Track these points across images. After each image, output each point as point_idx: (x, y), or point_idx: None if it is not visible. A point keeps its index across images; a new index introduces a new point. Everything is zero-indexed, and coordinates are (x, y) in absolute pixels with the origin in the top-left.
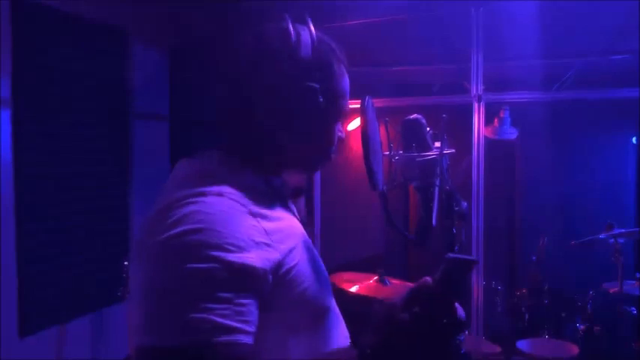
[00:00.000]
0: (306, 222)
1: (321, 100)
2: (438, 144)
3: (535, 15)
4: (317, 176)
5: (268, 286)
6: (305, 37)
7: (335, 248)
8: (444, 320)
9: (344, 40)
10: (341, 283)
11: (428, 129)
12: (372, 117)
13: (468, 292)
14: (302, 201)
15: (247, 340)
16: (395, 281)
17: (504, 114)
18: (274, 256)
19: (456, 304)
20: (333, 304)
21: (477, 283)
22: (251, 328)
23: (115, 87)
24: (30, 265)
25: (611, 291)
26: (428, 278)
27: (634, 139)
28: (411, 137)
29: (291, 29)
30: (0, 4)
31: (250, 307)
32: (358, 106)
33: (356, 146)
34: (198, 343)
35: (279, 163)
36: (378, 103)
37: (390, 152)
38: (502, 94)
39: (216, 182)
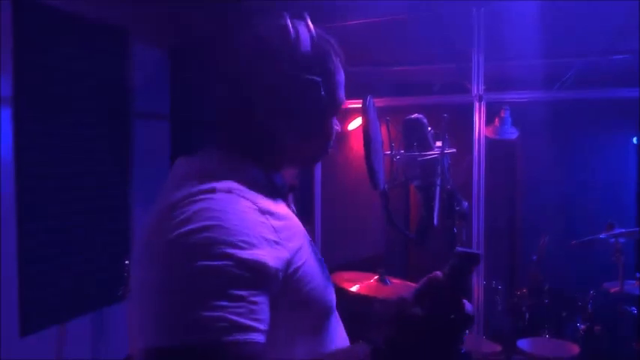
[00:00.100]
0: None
1: (323, 93)
2: (439, 143)
3: (536, 15)
4: (317, 175)
5: (278, 284)
6: (303, 32)
7: (335, 248)
8: (454, 315)
9: (345, 40)
10: (341, 282)
11: (429, 128)
12: (374, 116)
13: (469, 290)
14: (291, 199)
15: (261, 338)
16: (395, 281)
17: (505, 114)
18: (284, 254)
19: (464, 299)
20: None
21: (478, 283)
22: (264, 327)
23: (115, 86)
24: (30, 265)
25: (612, 291)
26: (438, 273)
27: (634, 139)
28: (413, 136)
29: (290, 25)
30: (1, 4)
31: (263, 305)
32: (359, 105)
33: (357, 146)
34: (213, 342)
35: (280, 159)
36: (379, 102)
37: (392, 152)
38: (503, 93)
39: (221, 179)
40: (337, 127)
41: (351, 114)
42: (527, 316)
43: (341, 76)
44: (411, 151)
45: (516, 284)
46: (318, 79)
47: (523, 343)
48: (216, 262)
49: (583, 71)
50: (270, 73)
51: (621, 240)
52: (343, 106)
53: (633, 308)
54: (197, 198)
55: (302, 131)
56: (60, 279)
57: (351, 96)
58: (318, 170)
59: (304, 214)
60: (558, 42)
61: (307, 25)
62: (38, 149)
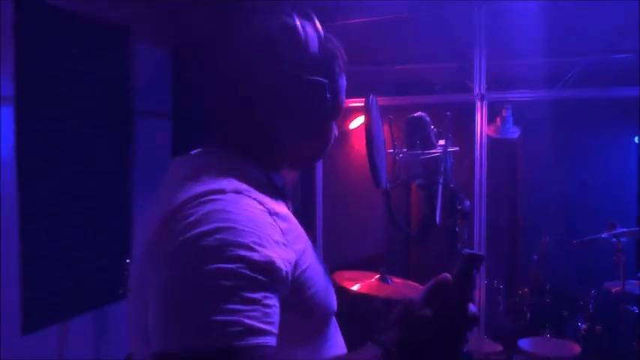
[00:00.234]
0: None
1: (328, 96)
2: (441, 142)
3: (538, 14)
4: (319, 174)
5: (287, 287)
6: (312, 34)
7: (337, 246)
8: (460, 316)
9: (347, 39)
10: (342, 281)
11: (432, 127)
12: (376, 115)
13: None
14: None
15: (273, 342)
16: (396, 280)
17: (506, 113)
18: (292, 256)
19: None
20: None
21: (479, 282)
22: (276, 330)
23: (117, 85)
24: (32, 263)
25: (613, 290)
26: (447, 275)
27: (636, 139)
28: (415, 135)
29: (299, 26)
30: (2, 3)
31: (275, 308)
32: (361, 104)
33: (358, 144)
34: (228, 347)
35: (280, 159)
36: (381, 101)
37: (394, 150)
38: (504, 92)
39: (227, 179)
40: (336, 131)
41: (352, 113)
42: (528, 315)
43: (344, 80)
44: (414, 150)
45: (517, 284)
46: (325, 80)
47: (524, 343)
48: (229, 265)
49: (585, 70)
50: (277, 74)
51: (623, 239)
52: (342, 110)
53: (635, 308)
54: (206, 199)
55: (304, 132)
56: (61, 278)
57: (352, 95)
58: (319, 169)
59: (305, 214)
60: (560, 41)
61: (315, 27)
62: (39, 148)
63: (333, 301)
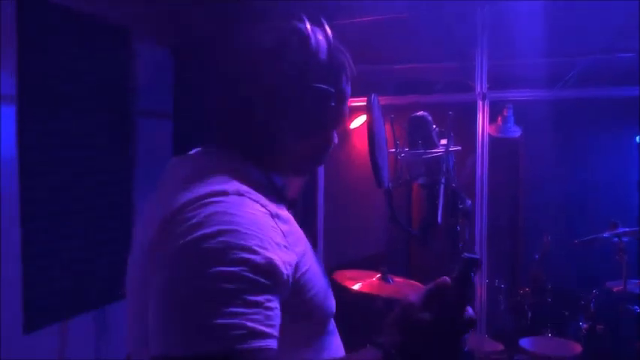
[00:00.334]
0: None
1: (333, 104)
2: (443, 141)
3: (539, 13)
4: (320, 173)
5: (288, 289)
6: (322, 40)
7: (338, 246)
8: (459, 319)
9: (349, 38)
10: (343, 280)
11: (434, 126)
12: (378, 114)
13: (472, 290)
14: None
15: (275, 344)
16: (397, 279)
17: (508, 112)
18: (292, 259)
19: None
20: None
21: (480, 282)
22: (277, 333)
23: (118, 85)
24: (33, 262)
25: (615, 290)
26: (447, 278)
27: (637, 138)
28: (417, 134)
29: (310, 32)
30: (4, 2)
31: (276, 310)
32: (363, 103)
33: (359, 144)
34: (231, 350)
35: (279, 163)
36: (383, 100)
37: (396, 149)
38: (506, 92)
39: (228, 181)
40: (336, 139)
41: (354, 112)
42: (529, 314)
43: (349, 89)
44: (416, 149)
45: (519, 283)
46: (332, 90)
47: (525, 342)
48: (231, 268)
49: (586, 70)
50: (285, 78)
51: (625, 239)
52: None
53: (636, 307)
54: (208, 201)
55: (304, 137)
56: (62, 277)
57: (354, 94)
58: (320, 168)
59: (307, 213)
60: (561, 40)
61: (326, 33)
62: (40, 147)
63: (332, 303)
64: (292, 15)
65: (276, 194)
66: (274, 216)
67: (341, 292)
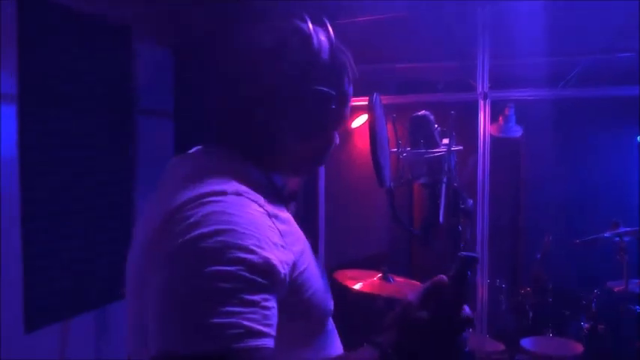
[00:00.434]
0: (301, 218)
1: (334, 107)
2: (445, 141)
3: (541, 12)
4: (321, 173)
5: (285, 288)
6: (324, 40)
7: (339, 245)
8: (455, 318)
9: (350, 38)
10: (345, 280)
11: (436, 126)
12: (380, 114)
13: (472, 289)
14: (292, 204)
15: (271, 344)
16: (399, 279)
17: (509, 111)
18: (290, 258)
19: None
20: None
21: (482, 281)
22: (274, 332)
23: (119, 84)
24: (34, 262)
25: (616, 289)
26: (444, 277)
27: (639, 138)
28: (419, 134)
29: (313, 32)
30: (5, 1)
31: (273, 310)
32: (364, 103)
33: (361, 143)
34: (227, 349)
35: (279, 163)
36: (384, 100)
37: (398, 149)
38: (507, 91)
39: (227, 180)
40: (337, 139)
41: (355, 111)
42: (530, 314)
43: (351, 90)
44: (418, 149)
45: (520, 283)
46: (333, 92)
47: (526, 342)
48: (228, 267)
49: (587, 69)
50: (285, 78)
51: (626, 239)
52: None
53: (637, 307)
54: (206, 200)
55: (304, 138)
56: (63, 276)
57: (355, 93)
58: (321, 168)
59: (308, 212)
60: (563, 40)
61: (328, 34)
62: (41, 147)
63: (331, 302)
64: (294, 15)
65: (275, 194)
66: (272, 216)
67: (342, 291)
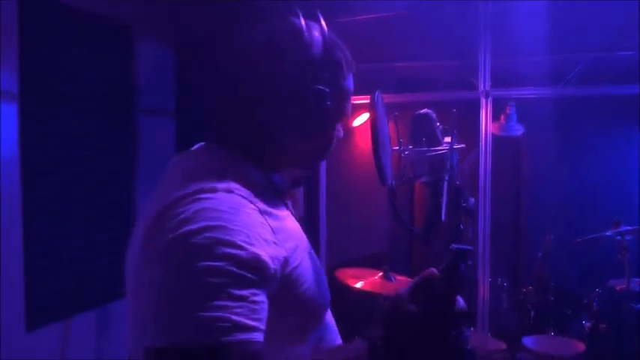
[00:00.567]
0: (303, 217)
1: (329, 103)
2: (447, 139)
3: (542, 11)
4: (322, 172)
5: (276, 284)
6: (317, 35)
7: (340, 244)
8: (447, 311)
9: (352, 36)
10: (346, 278)
11: (438, 124)
12: (382, 112)
13: (473, 288)
14: (300, 193)
15: (260, 338)
16: (400, 277)
17: (510, 110)
18: (281, 254)
19: (458, 295)
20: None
21: (483, 280)
22: (263, 326)
23: (120, 83)
24: (35, 261)
25: (618, 288)
26: (434, 270)
27: None
28: (421, 132)
29: (304, 28)
30: (5, 1)
31: (263, 304)
32: (365, 101)
33: (362, 142)
34: (215, 343)
35: (280, 160)
36: (386, 98)
37: (400, 147)
38: (508, 90)
39: (222, 178)
40: (339, 132)
41: (356, 110)
42: (532, 313)
43: (350, 84)
44: (420, 147)
45: (521, 282)
46: (326, 89)
47: (528, 341)
48: (217, 263)
49: (589, 68)
50: (279, 76)
51: (627, 237)
52: (348, 112)
53: (639, 306)
54: (197, 197)
55: (304, 134)
56: (64, 276)
57: (357, 92)
58: (323, 167)
59: (309, 212)
60: (564, 38)
61: (322, 29)
62: (42, 146)
63: (327, 296)
64: (288, 12)
65: (274, 193)
66: (263, 212)
67: (343, 290)
